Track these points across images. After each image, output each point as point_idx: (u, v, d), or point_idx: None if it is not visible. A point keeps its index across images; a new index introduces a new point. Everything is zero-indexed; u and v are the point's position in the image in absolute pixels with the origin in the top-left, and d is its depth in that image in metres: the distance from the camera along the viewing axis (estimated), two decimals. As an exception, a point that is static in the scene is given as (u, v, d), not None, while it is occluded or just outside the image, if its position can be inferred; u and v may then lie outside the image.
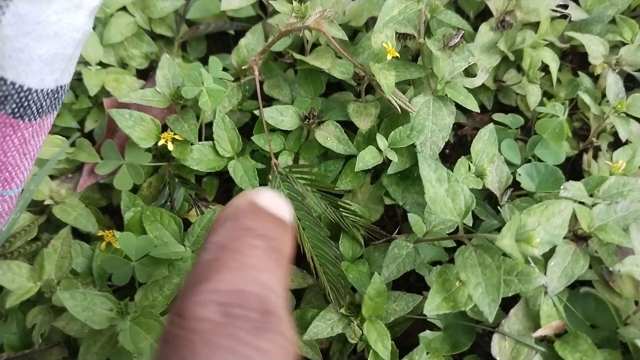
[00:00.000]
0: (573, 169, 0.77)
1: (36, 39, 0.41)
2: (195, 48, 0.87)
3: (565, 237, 0.60)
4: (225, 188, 0.77)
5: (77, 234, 0.68)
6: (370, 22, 0.81)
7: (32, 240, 0.69)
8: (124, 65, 0.79)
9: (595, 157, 0.76)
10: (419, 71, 0.66)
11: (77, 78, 0.76)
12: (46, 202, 0.69)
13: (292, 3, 0.70)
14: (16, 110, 0.45)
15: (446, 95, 0.66)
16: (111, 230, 0.62)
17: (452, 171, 0.64)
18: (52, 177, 0.71)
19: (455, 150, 0.82)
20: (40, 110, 0.47)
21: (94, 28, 0.78)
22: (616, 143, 0.75)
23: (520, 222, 0.51)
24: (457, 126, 0.82)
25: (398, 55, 0.64)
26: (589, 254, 0.61)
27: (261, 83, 0.74)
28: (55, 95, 0.48)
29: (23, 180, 0.53)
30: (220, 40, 0.90)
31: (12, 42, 0.41)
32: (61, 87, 0.48)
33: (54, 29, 0.42)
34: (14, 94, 0.44)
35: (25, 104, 0.45)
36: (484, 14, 0.82)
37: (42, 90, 0.45)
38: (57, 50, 0.43)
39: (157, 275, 0.60)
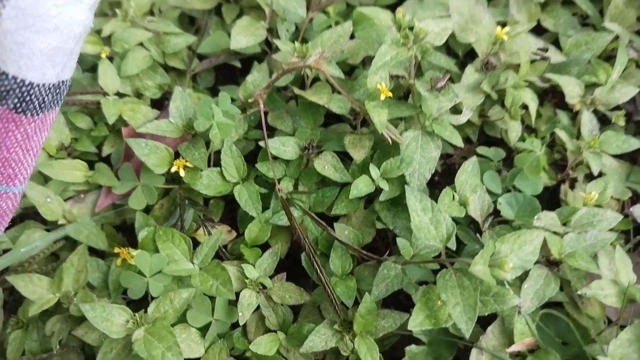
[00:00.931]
0: (552, 198, 0.84)
1: (37, 32, 0.42)
2: (205, 78, 0.94)
3: (538, 262, 0.67)
4: (229, 209, 0.83)
5: (93, 251, 0.75)
6: (367, 60, 0.88)
7: (50, 259, 0.75)
8: (139, 95, 0.86)
9: (572, 187, 0.83)
10: (409, 110, 0.73)
11: (96, 107, 0.83)
12: (60, 222, 0.75)
13: (294, 43, 0.77)
14: (18, 105, 0.45)
15: (433, 130, 0.73)
16: (127, 248, 0.68)
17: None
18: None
19: (445, 177, 0.89)
20: (43, 105, 0.47)
21: (111, 59, 0.85)
22: (592, 174, 0.80)
23: (494, 249, 0.58)
24: (446, 155, 0.89)
25: (391, 95, 0.71)
26: (560, 278, 0.67)
27: (265, 114, 0.81)
28: (57, 91, 0.48)
29: (26, 176, 0.54)
30: (227, 70, 0.97)
31: (12, 35, 0.41)
32: (63, 82, 0.48)
33: (55, 23, 0.42)
34: (16, 89, 0.44)
35: (27, 98, 0.45)
36: (472, 53, 0.89)
37: (43, 85, 0.45)
38: (58, 44, 0.44)
39: (168, 289, 0.66)
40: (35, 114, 0.47)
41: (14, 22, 0.41)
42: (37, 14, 0.41)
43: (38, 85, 0.45)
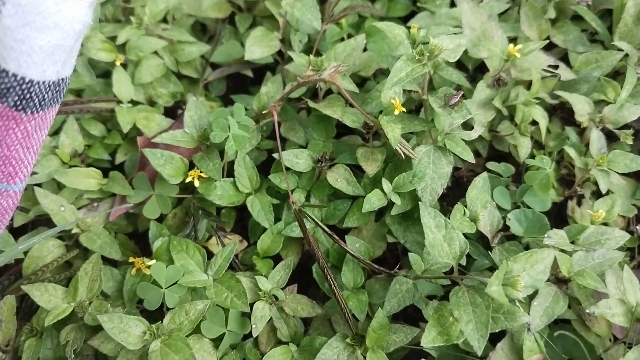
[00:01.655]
0: (560, 213, 0.85)
1: (37, 29, 0.42)
2: (216, 87, 0.95)
3: (547, 280, 0.67)
4: (239, 217, 0.84)
5: (106, 258, 0.75)
6: (378, 72, 0.89)
7: (63, 267, 0.76)
8: (152, 103, 0.87)
9: (579, 204, 0.84)
10: (422, 124, 0.74)
11: (109, 114, 0.83)
12: (74, 231, 0.75)
13: (308, 55, 0.77)
14: (18, 102, 0.46)
15: (445, 146, 0.74)
16: (141, 258, 0.69)
17: (450, 211, 0.72)
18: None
19: (453, 190, 0.90)
20: (43, 102, 0.47)
21: (125, 66, 0.85)
22: (599, 191, 0.82)
23: (507, 268, 0.59)
24: (454, 169, 0.90)
25: (404, 110, 0.71)
26: (568, 295, 0.68)
27: (278, 124, 0.81)
28: (57, 88, 0.48)
29: (27, 174, 0.53)
30: (237, 78, 0.98)
31: (12, 32, 0.41)
32: (62, 79, 0.48)
33: (55, 20, 0.42)
34: (16, 86, 0.44)
35: (27, 96, 0.45)
36: (482, 67, 0.90)
37: (43, 82, 0.46)
38: (58, 41, 0.44)
39: (182, 300, 0.66)
40: (35, 112, 0.47)
41: (14, 19, 0.41)
42: (37, 11, 0.41)
43: (38, 83, 0.45)
